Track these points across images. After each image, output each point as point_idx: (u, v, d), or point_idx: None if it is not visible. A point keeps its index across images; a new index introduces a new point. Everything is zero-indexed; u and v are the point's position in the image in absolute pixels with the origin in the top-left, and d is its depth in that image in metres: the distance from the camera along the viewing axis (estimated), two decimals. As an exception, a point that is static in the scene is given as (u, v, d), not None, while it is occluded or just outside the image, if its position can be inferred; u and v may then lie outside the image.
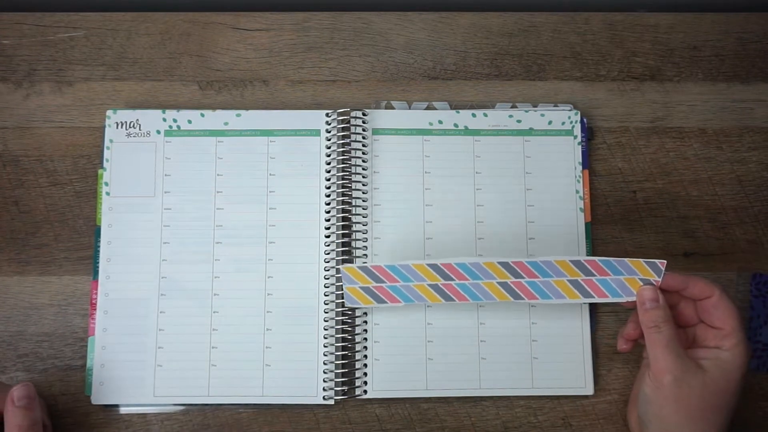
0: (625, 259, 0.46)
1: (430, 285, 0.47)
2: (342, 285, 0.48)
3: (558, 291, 0.47)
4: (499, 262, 0.47)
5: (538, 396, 0.51)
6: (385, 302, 0.48)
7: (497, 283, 0.47)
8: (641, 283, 0.46)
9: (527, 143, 0.54)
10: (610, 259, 0.46)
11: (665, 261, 0.45)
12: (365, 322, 0.51)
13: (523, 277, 0.47)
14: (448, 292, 0.47)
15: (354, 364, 0.50)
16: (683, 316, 0.46)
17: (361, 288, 0.48)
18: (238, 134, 0.53)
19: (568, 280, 0.47)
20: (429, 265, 0.47)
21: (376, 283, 0.48)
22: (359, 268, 0.48)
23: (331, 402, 0.50)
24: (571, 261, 0.46)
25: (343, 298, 0.50)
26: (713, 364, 0.43)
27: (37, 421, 0.44)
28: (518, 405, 0.51)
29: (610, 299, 0.46)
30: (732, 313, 0.44)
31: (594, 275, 0.46)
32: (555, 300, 0.47)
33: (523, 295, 0.47)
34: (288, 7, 0.57)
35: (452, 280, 0.47)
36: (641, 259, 0.45)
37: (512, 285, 0.47)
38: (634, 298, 0.46)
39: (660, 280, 0.45)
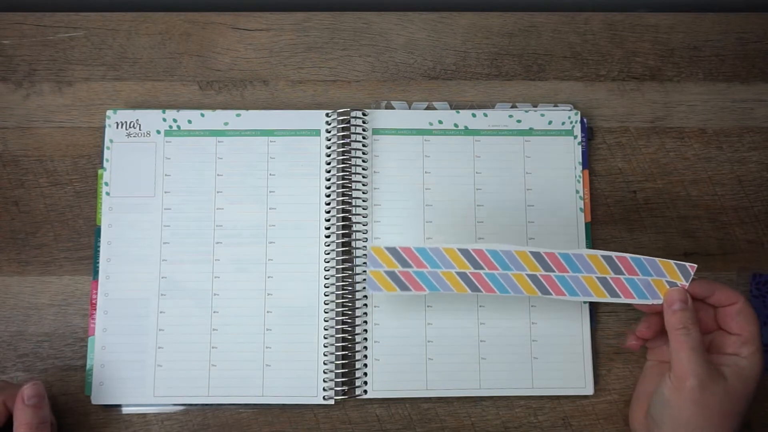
0: (656, 259, 0.45)
1: (458, 273, 0.46)
2: (366, 268, 0.46)
3: (586, 288, 0.46)
4: (531, 252, 0.46)
5: (538, 396, 0.51)
6: (410, 289, 0.46)
7: (527, 275, 0.46)
8: (668, 286, 0.45)
9: (527, 143, 0.54)
10: (641, 257, 0.45)
11: (696, 265, 0.45)
12: (365, 322, 0.51)
13: (553, 271, 0.46)
14: (476, 282, 0.46)
15: (354, 364, 0.50)
16: (702, 322, 0.46)
17: (386, 272, 0.46)
18: (238, 134, 0.53)
19: (597, 278, 0.46)
20: (460, 250, 0.46)
21: (402, 267, 0.46)
22: (387, 249, 0.46)
23: (331, 402, 0.50)
24: (603, 256, 0.46)
25: (342, 298, 0.50)
26: (732, 371, 0.43)
27: (45, 419, 0.44)
28: (518, 405, 0.51)
29: (636, 300, 0.46)
30: (753, 321, 0.44)
31: (623, 274, 0.46)
32: (582, 297, 0.46)
33: (551, 291, 0.46)
34: (288, 7, 0.57)
35: (482, 269, 0.46)
36: (672, 261, 0.45)
37: (541, 279, 0.46)
38: (660, 301, 0.46)
39: (687, 283, 0.45)
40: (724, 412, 0.43)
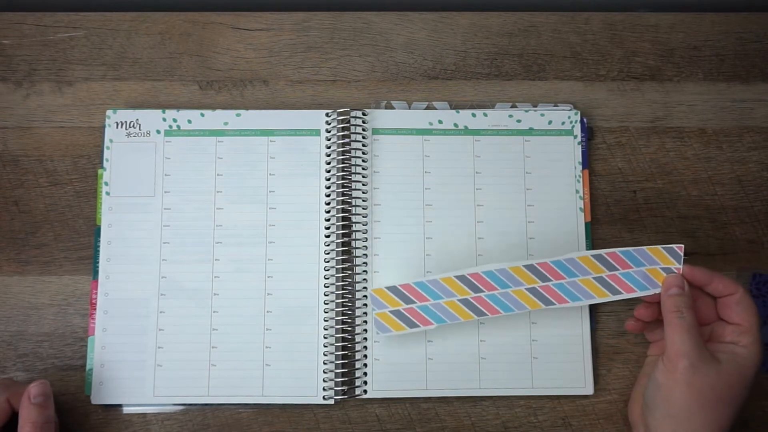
0: (644, 247, 0.47)
1: (460, 300, 0.47)
2: (372, 310, 0.48)
3: (586, 291, 0.47)
4: (525, 266, 0.47)
5: (538, 396, 0.51)
6: (418, 326, 0.48)
7: (526, 289, 0.47)
8: (664, 273, 0.46)
9: (527, 143, 0.54)
10: (630, 249, 0.47)
11: (683, 245, 0.46)
12: (365, 321, 0.51)
13: (550, 280, 0.47)
14: (480, 307, 0.47)
15: (354, 364, 0.50)
16: (701, 313, 0.46)
17: (391, 312, 0.48)
18: (238, 134, 0.53)
19: (593, 278, 0.47)
20: (456, 277, 0.48)
21: (406, 304, 0.48)
22: (387, 288, 0.48)
23: (331, 402, 0.50)
24: (593, 255, 0.47)
25: (342, 298, 0.50)
26: (729, 357, 0.43)
27: (50, 419, 0.45)
28: (518, 405, 0.51)
29: (638, 293, 0.47)
30: (753, 311, 0.44)
31: (617, 269, 0.47)
32: (585, 301, 0.47)
33: (553, 300, 0.47)
34: (288, 7, 0.57)
35: (482, 291, 0.47)
36: (659, 246, 0.46)
37: (541, 290, 0.47)
38: (659, 290, 0.46)
39: (681, 267, 0.46)
40: (716, 397, 0.42)
